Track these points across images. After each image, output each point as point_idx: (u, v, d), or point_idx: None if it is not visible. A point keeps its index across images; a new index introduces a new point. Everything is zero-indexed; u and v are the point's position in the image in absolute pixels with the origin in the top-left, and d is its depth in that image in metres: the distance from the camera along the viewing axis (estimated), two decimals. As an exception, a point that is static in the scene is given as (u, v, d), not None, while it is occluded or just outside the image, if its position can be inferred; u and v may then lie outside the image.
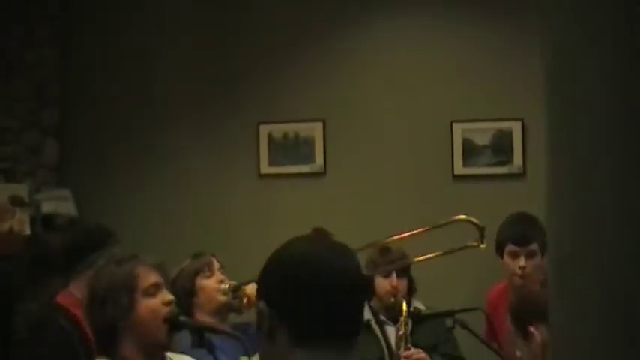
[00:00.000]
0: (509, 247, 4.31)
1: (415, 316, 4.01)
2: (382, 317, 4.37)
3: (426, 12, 5.93)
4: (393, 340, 4.13)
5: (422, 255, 3.89)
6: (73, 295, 3.81)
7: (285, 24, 6.07)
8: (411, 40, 5.93)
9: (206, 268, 3.87)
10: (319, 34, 6.03)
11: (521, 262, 4.23)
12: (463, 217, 3.32)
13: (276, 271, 1.81)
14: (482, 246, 3.55)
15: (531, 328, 2.28)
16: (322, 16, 6.01)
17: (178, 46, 6.20)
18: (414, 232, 3.66)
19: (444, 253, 3.74)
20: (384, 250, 4.35)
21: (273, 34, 6.08)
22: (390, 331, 4.26)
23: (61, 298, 3.83)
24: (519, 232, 4.31)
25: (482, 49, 5.83)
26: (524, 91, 5.72)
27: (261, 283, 1.83)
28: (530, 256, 4.26)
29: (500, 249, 4.36)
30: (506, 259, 4.31)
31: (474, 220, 3.39)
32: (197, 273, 3.85)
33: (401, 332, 3.92)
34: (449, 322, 4.01)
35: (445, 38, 5.88)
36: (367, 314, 4.31)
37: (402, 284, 4.38)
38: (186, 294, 3.76)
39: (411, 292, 4.48)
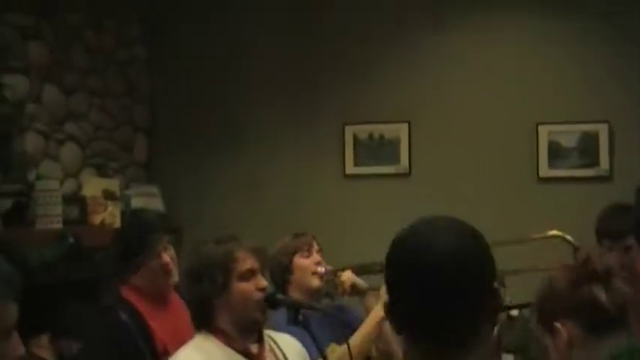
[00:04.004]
0: (605, 242, 4.22)
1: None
2: None
3: (511, 14, 5.92)
4: None
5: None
6: (138, 287, 3.65)
7: (371, 25, 6.10)
8: (496, 41, 5.92)
9: (305, 248, 3.85)
10: (405, 35, 6.05)
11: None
12: (557, 232, 3.29)
13: None
14: None
15: (557, 324, 2.22)
16: (408, 16, 6.04)
17: (265, 48, 6.28)
18: (506, 241, 3.54)
19: (536, 270, 3.66)
20: None
21: (359, 35, 6.12)
22: None
23: (126, 292, 3.66)
24: (614, 225, 4.19)
25: (568, 50, 5.80)
26: (611, 92, 5.69)
27: None
28: (626, 250, 4.18)
29: (599, 243, 4.26)
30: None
31: (568, 237, 3.36)
32: (296, 251, 3.83)
33: None
34: (503, 316, 3.97)
35: (530, 39, 5.86)
36: None
37: None
38: (282, 270, 3.77)
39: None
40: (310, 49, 6.21)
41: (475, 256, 1.65)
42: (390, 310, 1.68)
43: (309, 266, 3.82)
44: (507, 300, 4.32)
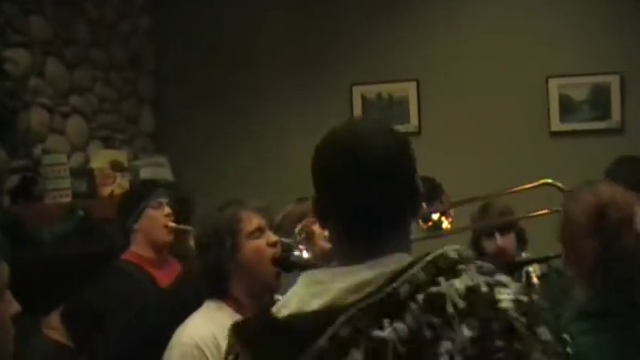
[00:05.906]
0: None
1: (508, 264, 3.88)
2: None
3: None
4: None
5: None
6: (138, 254, 4.05)
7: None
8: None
9: (310, 214, 3.83)
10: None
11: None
12: (549, 180, 3.26)
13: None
14: None
15: None
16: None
17: (272, 12, 6.22)
18: (500, 193, 3.60)
19: (524, 217, 3.73)
20: (485, 208, 4.20)
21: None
22: None
23: (126, 256, 4.05)
24: (624, 176, 4.12)
25: (577, 1, 5.71)
26: (622, 42, 5.59)
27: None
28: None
29: None
30: None
31: (559, 184, 3.33)
32: (302, 218, 3.79)
33: None
34: (543, 268, 3.91)
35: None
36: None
37: (507, 241, 4.09)
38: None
39: (521, 247, 4.28)
40: (316, 9, 6.14)
41: (400, 150, 1.65)
42: (317, 202, 1.68)
43: (318, 231, 3.74)
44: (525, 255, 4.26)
